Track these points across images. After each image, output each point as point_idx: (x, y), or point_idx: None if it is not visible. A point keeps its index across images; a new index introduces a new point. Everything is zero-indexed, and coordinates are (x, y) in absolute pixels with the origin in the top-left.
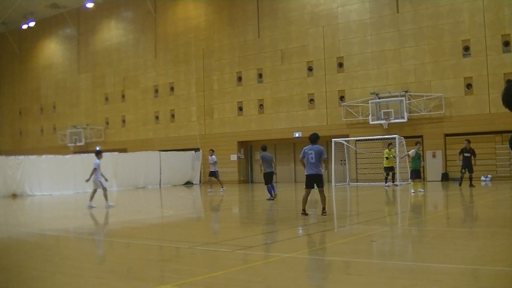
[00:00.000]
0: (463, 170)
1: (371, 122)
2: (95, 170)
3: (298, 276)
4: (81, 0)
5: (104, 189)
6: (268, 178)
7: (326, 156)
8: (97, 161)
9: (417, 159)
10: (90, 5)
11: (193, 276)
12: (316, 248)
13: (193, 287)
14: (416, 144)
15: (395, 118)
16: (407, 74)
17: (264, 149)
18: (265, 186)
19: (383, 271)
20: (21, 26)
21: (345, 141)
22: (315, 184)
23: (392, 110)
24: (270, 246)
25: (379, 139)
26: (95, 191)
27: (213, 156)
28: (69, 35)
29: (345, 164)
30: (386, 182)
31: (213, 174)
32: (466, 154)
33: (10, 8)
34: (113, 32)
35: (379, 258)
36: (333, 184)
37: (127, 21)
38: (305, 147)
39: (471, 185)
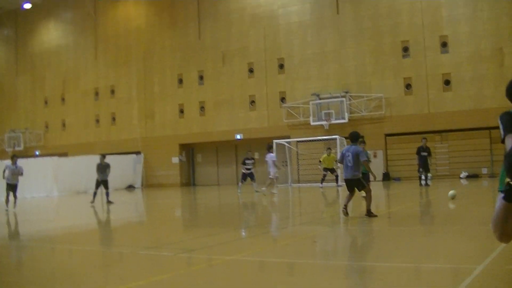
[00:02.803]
0: (421, 170)
1: (312, 123)
2: (273, 162)
3: (241, 278)
4: (18, 0)
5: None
6: (98, 185)
7: (365, 158)
8: (272, 154)
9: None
10: (27, 6)
11: (136, 281)
12: (259, 250)
13: None
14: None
15: (336, 119)
16: (348, 75)
17: (101, 158)
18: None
19: (326, 271)
20: None
21: (287, 142)
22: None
23: (333, 111)
24: (213, 249)
25: (320, 140)
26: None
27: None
28: (6, 37)
29: (286, 165)
30: (322, 183)
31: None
32: (423, 153)
33: None
34: (52, 34)
35: (321, 259)
36: (275, 185)
37: (67, 23)
38: (343, 148)
39: (426, 185)
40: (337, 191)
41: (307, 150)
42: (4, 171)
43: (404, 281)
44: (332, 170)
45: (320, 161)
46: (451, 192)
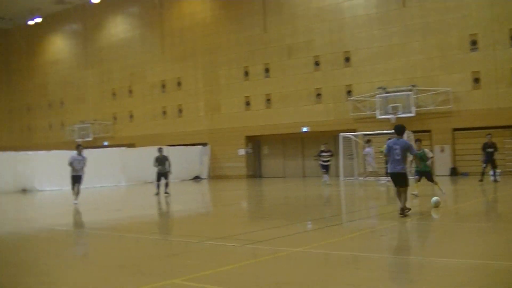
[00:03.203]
0: (485, 165)
1: (378, 117)
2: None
3: (306, 270)
4: None
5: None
6: (159, 177)
7: (415, 152)
8: (369, 148)
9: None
10: (95, 0)
11: (202, 271)
12: (325, 242)
13: (202, 281)
14: (415, 141)
15: (403, 113)
16: (414, 69)
17: (160, 151)
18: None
19: (391, 266)
20: (28, 22)
21: (353, 135)
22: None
23: (400, 104)
24: (279, 241)
25: (387, 133)
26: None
27: (83, 155)
28: (75, 31)
29: (352, 158)
30: (387, 176)
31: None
32: (488, 150)
33: (17, 4)
34: (119, 28)
35: (387, 253)
36: (341, 178)
37: (133, 17)
38: (389, 141)
39: (495, 181)
40: None
41: (373, 143)
42: (71, 163)
43: (471, 278)
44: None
45: (381, 151)
46: (434, 199)
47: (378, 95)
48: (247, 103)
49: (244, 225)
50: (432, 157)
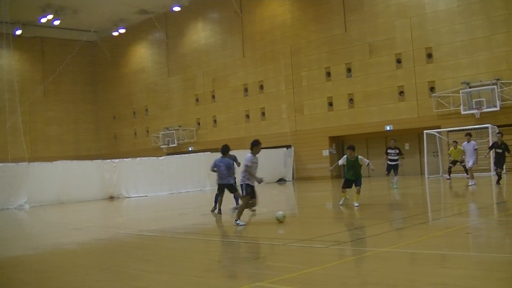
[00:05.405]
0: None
1: (463, 112)
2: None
3: (393, 270)
4: (168, 4)
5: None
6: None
7: (239, 163)
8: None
9: (349, 167)
10: (177, 9)
11: (289, 273)
12: (410, 242)
13: (289, 283)
14: (347, 148)
15: (487, 107)
16: (499, 62)
17: (224, 151)
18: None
19: (480, 264)
20: (112, 33)
21: (437, 132)
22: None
23: (484, 99)
24: (364, 241)
25: (471, 129)
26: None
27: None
28: (158, 39)
29: (437, 156)
30: (449, 175)
31: None
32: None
33: (100, 17)
34: (200, 34)
35: (475, 251)
36: (426, 176)
37: (214, 23)
38: (216, 159)
39: None
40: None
41: (459, 140)
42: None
43: None
44: (461, 161)
45: (449, 154)
46: (278, 214)
47: (461, 90)
48: (330, 104)
49: (329, 226)
50: (368, 162)
